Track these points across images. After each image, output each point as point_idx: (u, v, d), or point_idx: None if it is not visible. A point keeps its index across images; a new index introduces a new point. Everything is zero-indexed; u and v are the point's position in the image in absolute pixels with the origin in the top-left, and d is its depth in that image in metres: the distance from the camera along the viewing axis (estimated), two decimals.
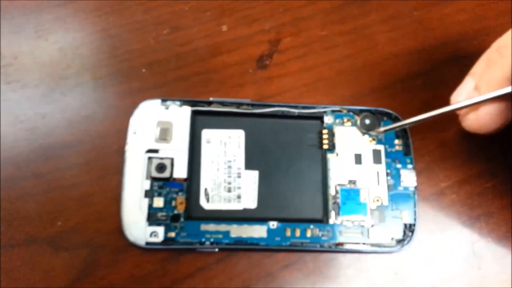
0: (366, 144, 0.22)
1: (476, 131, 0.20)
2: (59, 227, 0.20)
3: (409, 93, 0.24)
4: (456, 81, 0.25)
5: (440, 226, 0.22)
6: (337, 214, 0.21)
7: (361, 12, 0.26)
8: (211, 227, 0.20)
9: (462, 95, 0.20)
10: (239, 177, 0.22)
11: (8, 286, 0.19)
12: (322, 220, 0.21)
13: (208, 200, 0.21)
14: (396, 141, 0.23)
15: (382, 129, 0.22)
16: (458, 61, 0.25)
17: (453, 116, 0.24)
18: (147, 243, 0.20)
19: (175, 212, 0.21)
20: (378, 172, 0.22)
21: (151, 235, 0.20)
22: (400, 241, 0.21)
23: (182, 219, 0.20)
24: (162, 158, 0.21)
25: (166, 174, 0.21)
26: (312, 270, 0.21)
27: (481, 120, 0.19)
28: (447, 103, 0.25)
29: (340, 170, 0.22)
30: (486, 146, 0.24)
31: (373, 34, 0.26)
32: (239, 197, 0.21)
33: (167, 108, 0.22)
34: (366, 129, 0.23)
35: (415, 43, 0.26)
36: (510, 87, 0.18)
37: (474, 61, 0.25)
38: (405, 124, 0.22)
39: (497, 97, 0.18)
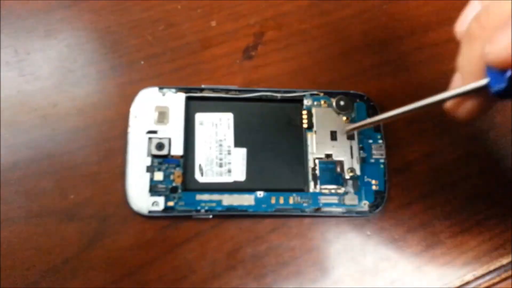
0: (341, 123, 0.25)
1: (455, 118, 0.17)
2: (71, 200, 0.23)
3: (379, 78, 0.27)
4: (422, 67, 0.28)
5: (409, 193, 0.25)
6: (316, 183, 0.24)
7: (336, 7, 0.29)
8: (205, 197, 0.23)
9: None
10: (229, 154, 0.24)
11: (30, 251, 0.22)
12: (303, 189, 0.24)
13: (202, 174, 0.24)
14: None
15: (349, 127, 0.23)
16: (424, 49, 0.28)
17: (419, 100, 0.27)
18: (150, 212, 0.23)
19: (174, 184, 0.23)
20: (351, 147, 0.25)
21: (152, 204, 0.23)
22: (372, 207, 0.24)
23: (179, 191, 0.23)
24: (160, 138, 0.24)
25: (164, 152, 0.24)
26: (296, 234, 0.24)
27: (457, 113, 0.17)
28: (412, 86, 0.28)
29: (318, 146, 0.25)
30: (450, 123, 0.27)
31: (347, 26, 0.29)
32: (229, 171, 0.24)
33: (163, 95, 0.25)
34: (340, 110, 0.26)
35: (384, 33, 0.29)
36: (484, 80, 0.15)
37: (438, 49, 0.29)
38: (368, 124, 0.21)
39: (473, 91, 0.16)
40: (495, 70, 0.14)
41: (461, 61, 0.16)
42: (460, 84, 0.16)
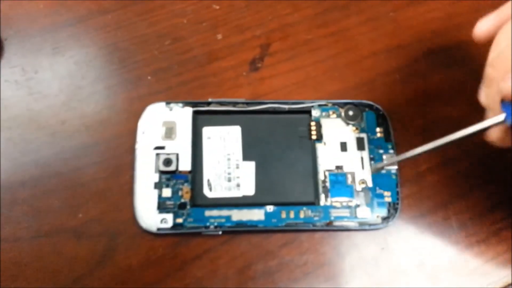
0: (350, 133, 0.25)
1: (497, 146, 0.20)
2: (80, 218, 0.23)
3: (388, 86, 0.27)
4: (430, 74, 0.28)
5: (421, 204, 0.25)
6: (327, 196, 0.24)
7: (342, 16, 0.29)
8: (214, 212, 0.23)
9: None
10: (237, 168, 0.24)
11: (39, 271, 0.22)
12: (313, 203, 0.24)
13: (210, 189, 0.24)
14: (378, 129, 0.25)
15: (379, 165, 0.23)
16: (431, 55, 0.28)
17: (430, 107, 0.27)
18: (158, 229, 0.23)
19: (182, 200, 0.23)
20: (362, 158, 0.24)
21: (161, 221, 0.23)
22: (385, 219, 0.24)
23: (188, 207, 0.23)
24: (168, 154, 0.24)
25: (172, 168, 0.23)
26: (308, 248, 0.23)
27: (496, 142, 0.19)
28: (422, 94, 0.27)
29: (328, 157, 0.24)
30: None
31: (353, 35, 0.28)
32: (238, 185, 0.24)
33: (171, 109, 0.25)
34: (350, 120, 0.25)
35: (392, 41, 0.28)
36: (501, 116, 0.18)
37: (447, 55, 0.28)
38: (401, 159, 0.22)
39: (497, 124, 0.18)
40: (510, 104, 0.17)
41: (484, 100, 0.20)
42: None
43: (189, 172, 0.24)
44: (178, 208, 0.23)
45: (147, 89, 0.26)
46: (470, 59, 0.28)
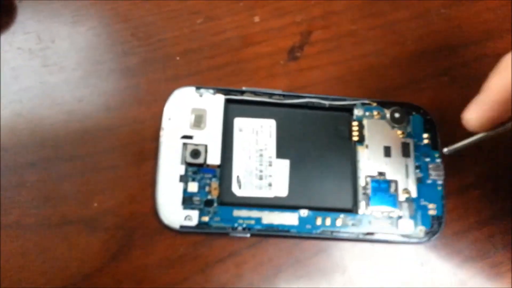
0: (395, 137, 0.23)
1: None
2: (95, 208, 0.21)
3: (436, 88, 0.25)
4: (482, 79, 0.26)
5: (465, 219, 0.23)
6: (367, 204, 0.22)
7: (391, 9, 0.26)
8: (243, 213, 0.21)
9: None
10: (270, 165, 0.22)
11: (46, 264, 0.20)
12: (352, 210, 0.22)
13: (240, 187, 0.22)
14: (425, 135, 0.23)
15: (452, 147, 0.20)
16: (484, 59, 0.26)
17: None
18: (182, 227, 0.20)
19: (209, 197, 0.21)
20: (407, 165, 0.22)
21: (185, 218, 0.20)
22: (428, 233, 0.22)
23: (215, 204, 0.21)
24: (196, 145, 0.21)
25: (200, 160, 0.21)
26: (341, 258, 0.22)
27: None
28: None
29: (369, 162, 0.22)
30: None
31: (402, 30, 0.26)
32: (270, 185, 0.22)
33: (201, 95, 0.22)
34: (395, 123, 0.23)
35: (442, 40, 0.26)
36: None
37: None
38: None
39: None
40: None
41: None
42: None
43: (218, 166, 0.21)
44: (205, 205, 0.21)
45: (174, 71, 0.24)
46: None
